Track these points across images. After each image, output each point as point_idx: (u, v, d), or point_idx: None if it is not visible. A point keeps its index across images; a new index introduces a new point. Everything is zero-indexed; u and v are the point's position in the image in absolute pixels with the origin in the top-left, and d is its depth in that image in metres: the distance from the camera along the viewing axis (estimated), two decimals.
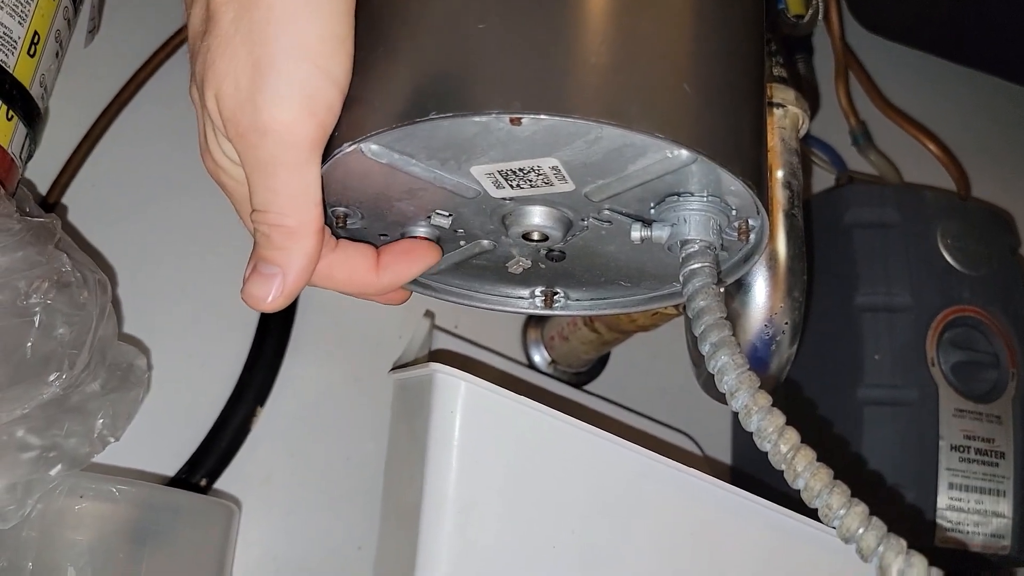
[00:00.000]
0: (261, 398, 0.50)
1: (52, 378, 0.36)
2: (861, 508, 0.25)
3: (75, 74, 0.48)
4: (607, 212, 0.31)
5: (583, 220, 0.32)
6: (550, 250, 0.34)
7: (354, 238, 0.35)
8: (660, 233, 0.30)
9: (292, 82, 0.27)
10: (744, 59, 0.30)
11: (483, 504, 0.37)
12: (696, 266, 0.29)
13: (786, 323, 0.40)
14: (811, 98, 0.44)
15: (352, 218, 0.33)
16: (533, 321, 0.58)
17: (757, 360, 0.40)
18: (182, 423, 0.48)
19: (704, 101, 0.27)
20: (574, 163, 0.28)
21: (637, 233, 0.31)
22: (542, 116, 0.26)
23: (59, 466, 0.38)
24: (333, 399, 0.52)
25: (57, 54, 0.44)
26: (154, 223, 0.50)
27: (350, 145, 0.28)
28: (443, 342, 0.54)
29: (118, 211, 0.50)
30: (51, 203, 0.48)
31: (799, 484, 0.26)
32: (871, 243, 0.56)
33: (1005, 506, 0.52)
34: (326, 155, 0.29)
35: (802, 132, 0.43)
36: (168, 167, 0.51)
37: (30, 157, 0.44)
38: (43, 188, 0.48)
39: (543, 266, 0.36)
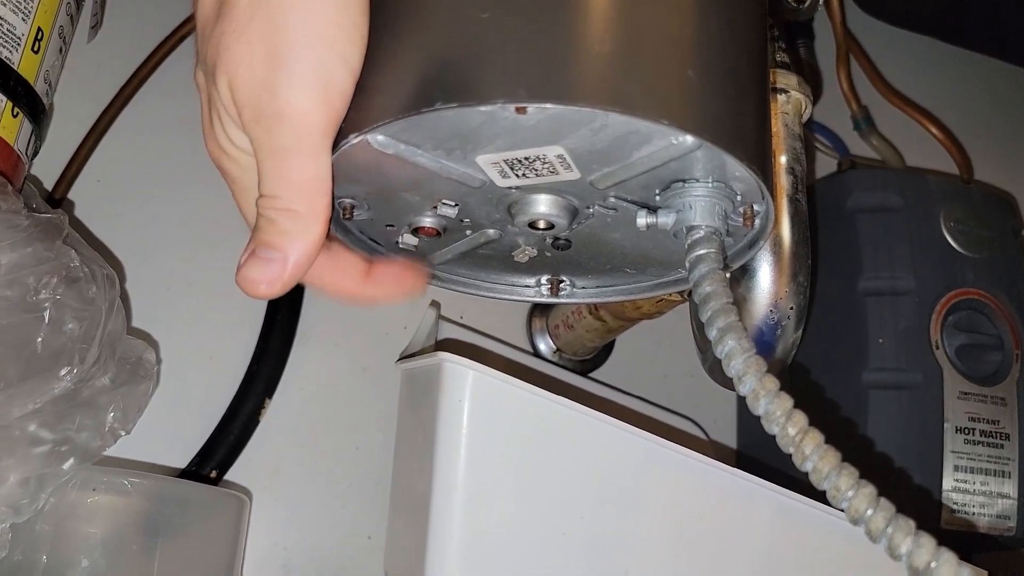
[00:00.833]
0: (269, 390, 0.50)
1: (63, 373, 0.36)
2: (869, 489, 0.25)
3: (79, 70, 0.48)
4: (612, 199, 0.31)
5: (589, 208, 0.32)
6: (556, 238, 0.34)
7: (361, 229, 0.36)
8: (666, 220, 0.31)
9: (310, 68, 0.27)
10: (747, 45, 0.30)
11: (492, 492, 0.37)
12: (702, 252, 0.29)
13: (791, 308, 0.40)
14: (813, 83, 0.44)
15: (359, 209, 0.33)
16: (538, 310, 0.58)
17: (763, 345, 0.40)
18: (192, 415, 0.49)
19: (708, 87, 0.28)
20: (579, 151, 0.28)
21: (643, 220, 0.31)
22: (547, 105, 0.26)
23: (71, 460, 0.38)
24: (341, 390, 0.53)
25: (61, 50, 0.45)
26: (160, 217, 0.51)
27: (356, 136, 0.28)
28: (449, 332, 0.54)
29: (124, 206, 0.50)
30: (57, 199, 0.48)
31: (807, 467, 0.26)
32: (874, 228, 0.56)
33: (1010, 487, 0.52)
34: (333, 146, 0.29)
35: (805, 117, 0.43)
36: (173, 161, 0.52)
37: (36, 153, 0.44)
38: (49, 184, 0.48)
39: (549, 254, 0.36)
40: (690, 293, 0.42)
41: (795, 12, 0.50)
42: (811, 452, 0.26)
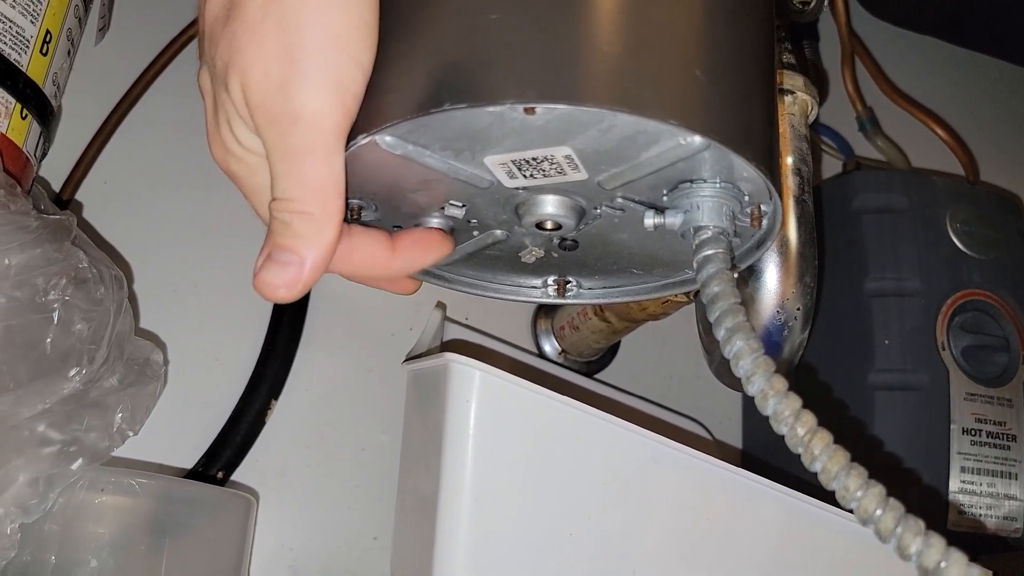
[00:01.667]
0: (275, 391, 0.50)
1: (72, 373, 0.37)
2: (878, 489, 0.25)
3: (86, 72, 0.48)
4: (620, 200, 0.31)
5: (596, 208, 0.32)
6: (563, 239, 0.35)
7: None
8: (673, 220, 0.31)
9: (323, 70, 0.27)
10: (755, 45, 0.30)
11: (499, 492, 0.37)
12: (710, 252, 0.29)
13: (798, 308, 0.40)
14: (819, 85, 0.44)
15: (366, 210, 0.34)
16: (543, 311, 0.58)
17: (770, 345, 0.40)
18: (198, 416, 0.49)
19: (716, 88, 0.28)
20: (587, 151, 0.28)
21: (650, 220, 0.31)
22: (556, 105, 0.26)
23: (80, 460, 0.38)
24: (347, 391, 0.53)
25: (69, 52, 0.45)
26: (167, 218, 0.51)
27: (365, 137, 0.28)
28: (454, 333, 0.55)
29: (131, 207, 0.50)
30: (65, 200, 0.48)
31: (816, 467, 0.26)
32: (880, 228, 0.56)
33: (1017, 489, 0.52)
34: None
35: (811, 118, 0.43)
36: (179, 162, 0.52)
37: (44, 155, 0.44)
38: (57, 185, 0.48)
39: (556, 255, 0.36)
40: (696, 294, 0.42)
41: (800, 13, 0.50)
42: (820, 452, 0.26)
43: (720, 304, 0.28)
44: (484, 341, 0.56)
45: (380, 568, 0.50)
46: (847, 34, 0.65)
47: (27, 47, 0.41)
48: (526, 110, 0.26)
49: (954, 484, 0.51)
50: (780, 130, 0.41)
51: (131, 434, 0.41)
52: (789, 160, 0.41)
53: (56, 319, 0.36)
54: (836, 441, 0.27)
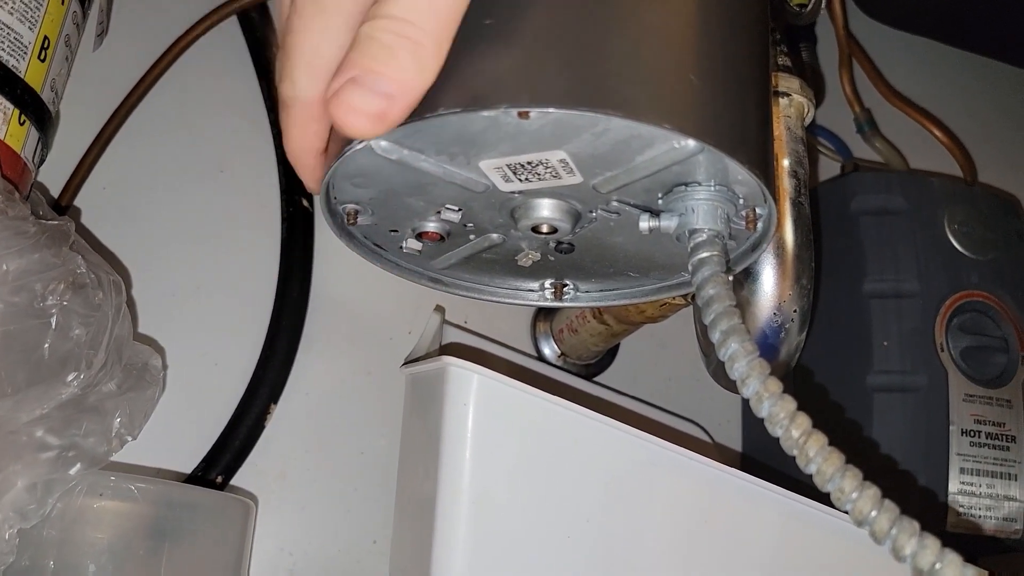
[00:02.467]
0: (274, 395, 0.50)
1: (70, 378, 0.37)
2: (873, 491, 0.25)
3: (84, 77, 0.49)
4: (615, 203, 0.31)
5: (591, 212, 0.32)
6: (559, 242, 0.35)
7: (365, 235, 0.36)
8: (668, 223, 0.31)
9: None
10: (749, 48, 0.30)
11: (498, 495, 0.37)
12: (705, 255, 0.29)
13: (795, 310, 0.40)
14: (816, 87, 0.44)
15: (362, 214, 0.34)
16: (542, 314, 0.59)
17: (767, 347, 0.40)
18: (197, 421, 0.49)
19: (710, 91, 0.28)
20: (582, 155, 0.29)
21: (645, 224, 0.31)
22: (550, 109, 0.26)
23: (78, 465, 0.38)
24: (345, 395, 0.53)
25: (67, 58, 0.45)
26: (165, 223, 0.51)
27: (360, 142, 0.28)
28: (453, 336, 0.55)
29: (129, 212, 0.50)
30: (63, 206, 0.48)
31: (811, 469, 0.26)
32: (878, 230, 0.56)
33: (1017, 490, 0.52)
34: (337, 152, 0.29)
35: (807, 121, 0.43)
36: (178, 168, 0.52)
37: (42, 161, 0.44)
38: (55, 191, 0.49)
39: (552, 259, 0.36)
40: (694, 296, 0.42)
41: (797, 16, 0.50)
42: (815, 454, 0.26)
43: (715, 307, 0.28)
44: (483, 344, 0.56)
45: (379, 572, 0.50)
46: (844, 36, 0.65)
47: (25, 53, 0.41)
48: (520, 114, 0.26)
49: (953, 485, 0.51)
50: (776, 133, 0.41)
51: (130, 439, 0.41)
52: (785, 162, 0.41)
53: (54, 324, 0.36)
54: (834, 443, 0.27)
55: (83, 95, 0.49)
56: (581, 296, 0.39)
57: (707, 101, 0.28)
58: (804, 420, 0.26)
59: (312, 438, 0.51)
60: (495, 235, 0.35)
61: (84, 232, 0.48)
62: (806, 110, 0.42)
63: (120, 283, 0.40)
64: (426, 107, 0.27)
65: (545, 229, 0.32)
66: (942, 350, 0.53)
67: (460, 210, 0.33)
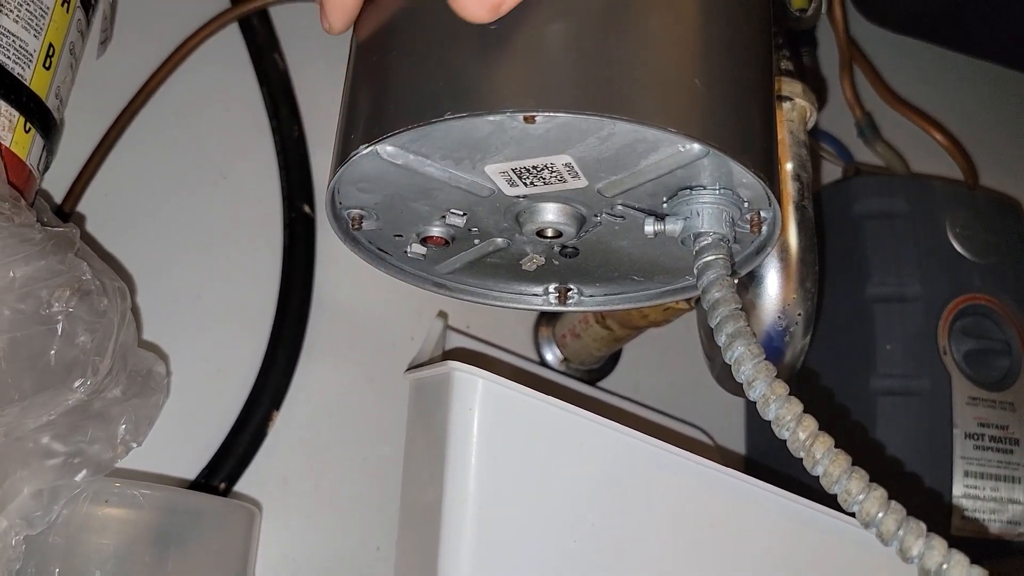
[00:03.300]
0: (277, 401, 0.50)
1: (76, 385, 0.37)
2: (880, 492, 0.25)
3: (88, 84, 0.49)
4: (620, 207, 0.31)
5: (596, 216, 0.32)
6: (564, 246, 0.35)
7: (370, 240, 0.36)
8: (673, 227, 0.31)
9: None
10: (753, 53, 0.30)
11: (503, 500, 0.37)
12: (710, 258, 0.30)
13: (799, 314, 0.40)
14: (817, 91, 0.45)
15: (367, 219, 0.34)
16: (545, 319, 0.59)
17: (772, 350, 0.40)
18: (201, 427, 0.49)
19: (715, 95, 0.28)
20: (587, 159, 0.29)
21: (650, 227, 0.31)
22: (555, 114, 0.26)
23: (84, 472, 0.38)
24: (348, 401, 0.53)
25: (71, 66, 0.45)
26: (168, 230, 0.51)
27: (366, 147, 0.29)
28: (456, 342, 0.55)
29: (133, 219, 0.50)
30: (67, 212, 0.48)
31: (818, 471, 0.26)
32: (880, 234, 0.56)
33: (1020, 492, 0.52)
34: (342, 158, 0.29)
35: (810, 125, 0.43)
36: (181, 174, 0.52)
37: (47, 168, 0.45)
38: (59, 198, 0.49)
39: (557, 263, 0.36)
40: (698, 300, 0.42)
41: (798, 20, 0.50)
42: (822, 456, 0.26)
43: (721, 310, 0.28)
44: (486, 350, 0.56)
45: None
46: (845, 40, 0.66)
47: (30, 61, 0.41)
48: (526, 119, 0.27)
49: (957, 489, 0.51)
50: (779, 137, 0.41)
51: (134, 445, 0.41)
52: (789, 166, 0.41)
53: (60, 331, 0.37)
54: (838, 446, 0.27)
55: (87, 102, 0.49)
56: (585, 300, 0.39)
57: (711, 105, 0.28)
58: (811, 422, 0.26)
59: (315, 444, 0.51)
60: (500, 239, 0.35)
61: (88, 239, 0.48)
62: (809, 114, 0.42)
63: (125, 289, 0.40)
64: (432, 111, 0.27)
65: (550, 233, 0.32)
66: (945, 353, 0.53)
67: (465, 215, 0.33)
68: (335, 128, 0.31)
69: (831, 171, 0.68)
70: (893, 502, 0.25)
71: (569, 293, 0.39)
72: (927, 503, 0.51)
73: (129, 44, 0.52)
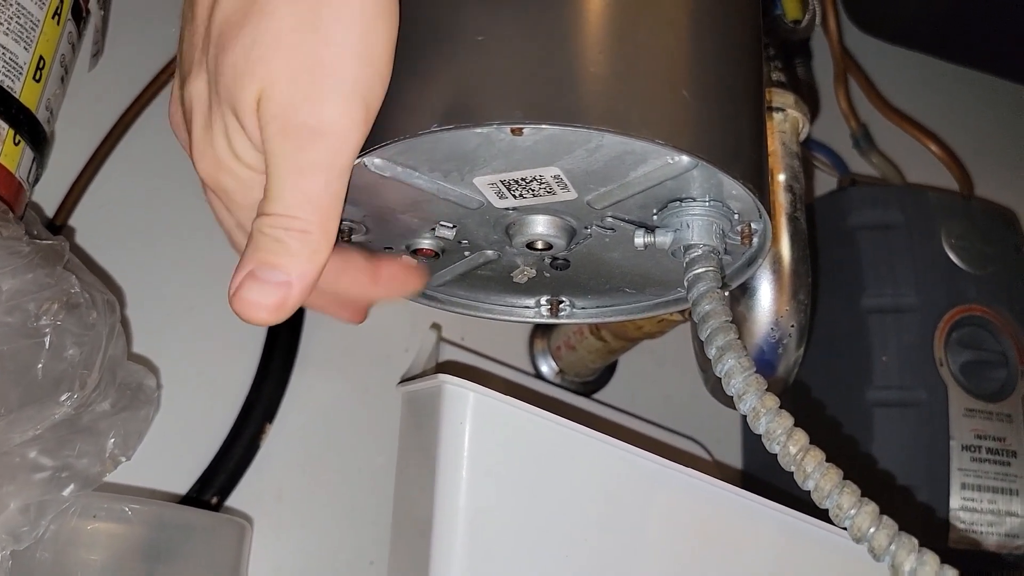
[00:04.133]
0: (270, 415, 0.50)
1: (63, 398, 0.36)
2: (871, 507, 0.25)
3: (79, 97, 0.49)
4: (610, 219, 0.31)
5: (586, 228, 0.32)
6: (554, 259, 0.35)
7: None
8: (663, 239, 0.31)
9: (355, 85, 0.26)
10: (742, 64, 0.30)
11: (495, 514, 0.37)
12: (700, 270, 0.29)
13: (792, 326, 0.40)
14: (811, 102, 0.44)
15: (356, 232, 0.34)
16: (539, 331, 0.58)
17: (764, 363, 0.40)
18: (192, 441, 0.48)
19: (703, 106, 0.28)
20: (576, 171, 0.28)
21: (640, 239, 0.31)
22: (543, 126, 0.26)
23: (71, 486, 0.38)
24: (341, 414, 0.52)
25: (62, 78, 0.45)
26: (160, 243, 0.51)
27: (354, 159, 0.28)
28: (450, 354, 0.54)
29: (124, 232, 0.50)
30: (58, 225, 0.48)
31: (809, 485, 0.26)
32: (876, 245, 0.56)
33: (1018, 505, 0.52)
34: None
35: (803, 136, 0.43)
36: (172, 188, 0.52)
37: (37, 180, 0.44)
38: (50, 211, 0.48)
39: (548, 275, 0.36)
40: (691, 312, 0.42)
41: (792, 31, 0.50)
42: (812, 470, 0.26)
43: (711, 322, 0.28)
44: (480, 362, 0.55)
45: None
46: (839, 51, 0.66)
47: (20, 73, 0.41)
48: (513, 131, 0.26)
49: (955, 501, 0.51)
50: (771, 148, 0.41)
51: (124, 459, 0.41)
52: (781, 177, 0.41)
53: (48, 344, 0.36)
54: (831, 459, 0.26)
55: (78, 115, 0.49)
56: (577, 312, 0.39)
57: (700, 116, 0.28)
58: (802, 436, 0.26)
59: (308, 458, 0.51)
60: (490, 252, 0.35)
61: (78, 252, 0.48)
62: (801, 125, 0.42)
63: (114, 302, 0.40)
64: (419, 124, 0.27)
65: (540, 245, 0.32)
66: (941, 365, 0.53)
67: (455, 227, 0.33)
68: None
69: (826, 182, 0.68)
70: (885, 517, 0.25)
71: (561, 305, 0.39)
72: (924, 516, 0.51)
73: (121, 57, 0.52)
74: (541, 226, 0.31)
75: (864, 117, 0.68)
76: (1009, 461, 0.52)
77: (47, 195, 0.48)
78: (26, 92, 0.41)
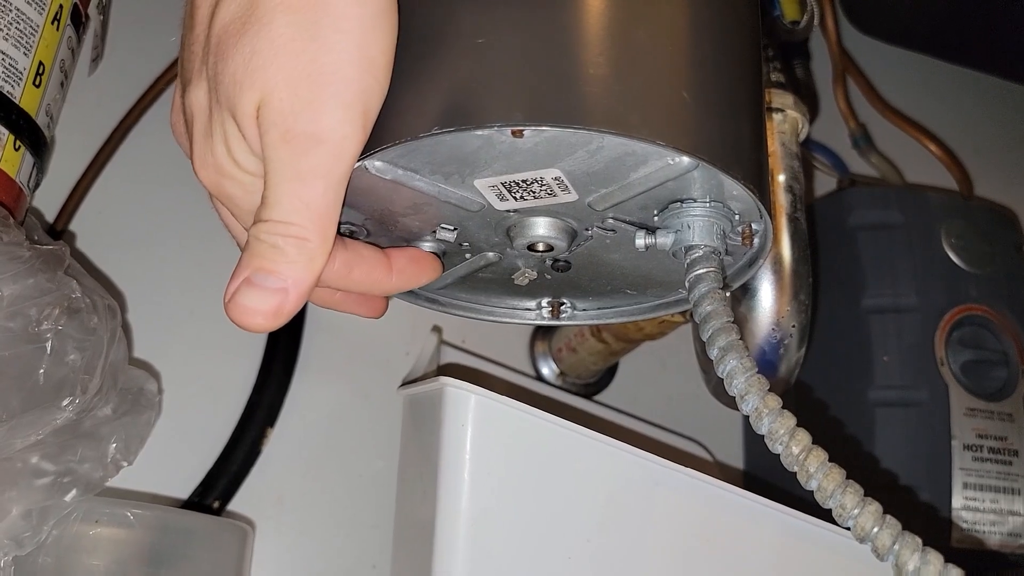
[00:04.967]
0: (271, 419, 0.50)
1: (65, 403, 0.36)
2: (875, 507, 0.25)
3: (79, 102, 0.49)
4: (611, 221, 0.31)
5: (587, 230, 0.32)
6: (555, 260, 0.35)
7: None
8: (664, 240, 0.31)
9: (355, 93, 0.26)
10: (741, 65, 0.30)
11: (497, 516, 0.37)
12: (701, 271, 0.29)
13: (793, 326, 0.40)
14: (810, 102, 0.45)
15: (358, 235, 0.34)
16: (541, 333, 0.58)
17: (766, 363, 0.40)
18: (193, 446, 0.48)
19: (703, 108, 0.28)
20: (577, 173, 0.28)
21: (641, 240, 0.31)
22: (544, 127, 0.26)
23: (74, 491, 0.38)
24: (343, 417, 0.52)
25: (62, 84, 0.45)
26: (160, 248, 0.51)
27: (355, 162, 0.28)
28: (451, 357, 0.54)
29: (124, 237, 0.50)
30: (58, 230, 0.48)
31: (812, 485, 0.26)
32: (876, 245, 0.56)
33: (1021, 504, 0.52)
34: None
35: (802, 136, 0.43)
36: (172, 192, 0.52)
37: (37, 186, 0.44)
38: (50, 216, 0.48)
39: (549, 277, 0.36)
40: (692, 313, 0.42)
41: (790, 32, 0.50)
42: (815, 470, 0.26)
43: (713, 323, 0.28)
44: (481, 365, 0.55)
45: None
46: (838, 52, 0.66)
47: (20, 79, 0.41)
48: (514, 133, 0.26)
49: (957, 501, 0.51)
50: (771, 149, 0.41)
51: (125, 464, 0.41)
52: (781, 178, 0.41)
53: (49, 349, 0.36)
54: (835, 459, 0.26)
55: (78, 120, 0.49)
56: (578, 314, 0.39)
57: (700, 118, 0.28)
58: (804, 436, 0.26)
59: (309, 462, 0.51)
60: (491, 254, 0.35)
61: (79, 256, 0.48)
62: (800, 126, 0.42)
63: (115, 307, 0.40)
64: (420, 126, 0.27)
65: (541, 247, 0.32)
66: (942, 364, 0.53)
67: (455, 229, 0.33)
68: None
69: (826, 183, 0.68)
70: (888, 516, 0.25)
71: (562, 307, 0.39)
72: (926, 515, 0.51)
73: (121, 61, 0.52)
74: (542, 228, 0.31)
75: (863, 117, 0.68)
76: (1011, 460, 0.52)
77: (47, 200, 0.48)
78: (26, 97, 0.41)
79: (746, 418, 0.27)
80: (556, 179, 0.29)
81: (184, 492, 0.47)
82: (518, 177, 0.29)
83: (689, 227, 0.30)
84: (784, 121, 0.42)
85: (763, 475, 0.60)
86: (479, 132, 0.26)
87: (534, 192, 0.29)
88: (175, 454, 0.48)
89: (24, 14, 0.41)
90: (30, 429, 0.36)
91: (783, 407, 0.27)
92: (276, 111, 0.27)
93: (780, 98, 0.42)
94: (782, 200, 0.40)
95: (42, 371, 0.36)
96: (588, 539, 0.38)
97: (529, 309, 0.39)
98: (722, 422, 0.61)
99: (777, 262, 0.40)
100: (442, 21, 0.28)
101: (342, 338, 0.53)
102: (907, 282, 0.55)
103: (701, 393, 0.47)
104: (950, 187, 0.66)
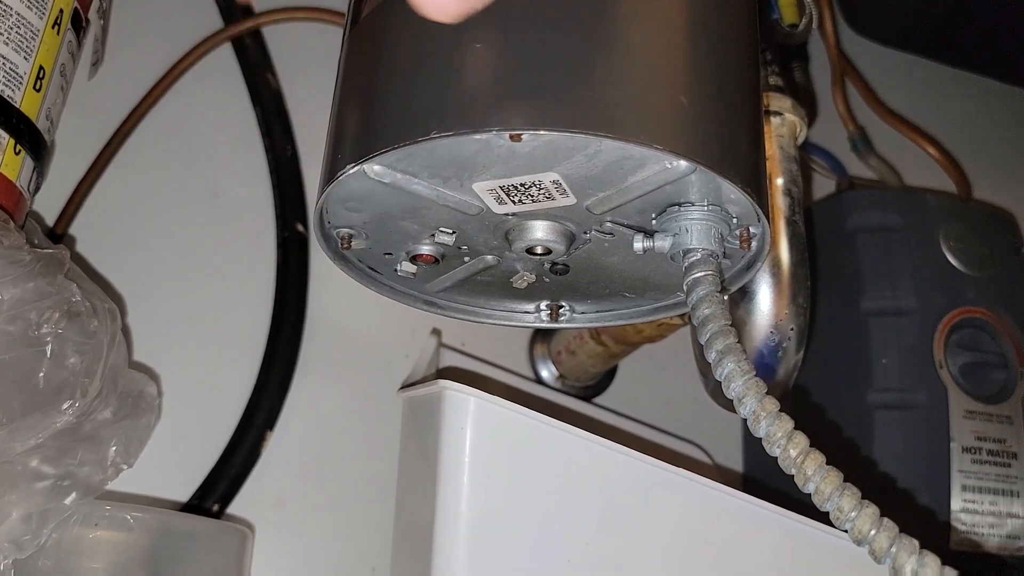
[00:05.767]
0: (271, 422, 0.50)
1: (65, 407, 0.36)
2: (872, 510, 0.25)
3: (79, 106, 0.49)
4: (609, 224, 0.31)
5: (586, 233, 0.32)
6: (554, 264, 0.35)
7: (359, 258, 0.36)
8: (662, 243, 0.31)
9: None
10: (739, 69, 0.30)
11: (496, 519, 0.37)
12: (699, 275, 0.29)
13: (792, 329, 0.40)
14: (809, 106, 0.45)
15: (356, 238, 0.34)
16: (540, 336, 0.58)
17: (764, 367, 0.40)
18: (193, 449, 0.48)
19: (700, 111, 0.28)
20: (575, 177, 0.29)
21: (639, 244, 0.31)
22: (541, 132, 0.26)
23: (73, 495, 0.38)
24: (342, 420, 0.52)
25: (62, 88, 0.45)
26: (160, 251, 0.51)
27: (353, 166, 0.28)
28: (450, 360, 0.54)
29: (124, 240, 0.50)
30: (58, 234, 0.48)
31: (809, 488, 0.26)
32: (874, 248, 0.56)
33: (1019, 507, 0.52)
34: (330, 177, 0.29)
35: (800, 139, 0.43)
36: (173, 195, 0.52)
37: (37, 190, 0.45)
38: (50, 220, 0.49)
39: (547, 280, 0.36)
40: (690, 316, 0.42)
41: (789, 35, 0.51)
42: (813, 473, 0.26)
43: (710, 326, 0.28)
44: (480, 368, 0.55)
45: None
46: (837, 54, 0.66)
47: (20, 83, 0.41)
48: (512, 137, 0.26)
49: (956, 503, 0.51)
50: (769, 152, 0.41)
51: (125, 467, 0.41)
52: (779, 181, 0.41)
53: (49, 353, 0.36)
54: (832, 462, 0.26)
55: (78, 124, 0.49)
56: (577, 317, 0.39)
57: (697, 121, 0.28)
58: (802, 439, 0.26)
59: (309, 464, 0.51)
60: (490, 257, 0.35)
61: (79, 260, 0.48)
62: (799, 129, 0.42)
63: (115, 311, 0.40)
64: (418, 130, 0.27)
65: (539, 251, 0.32)
66: (941, 367, 0.53)
67: (454, 233, 0.33)
68: None
69: (824, 185, 0.68)
70: (886, 519, 0.25)
71: (561, 310, 0.39)
72: (925, 518, 0.51)
73: (121, 65, 0.52)
74: (540, 231, 0.32)
75: (862, 120, 0.68)
76: (1010, 463, 0.52)
77: (47, 204, 0.48)
78: (26, 102, 0.41)
79: (745, 421, 0.27)
80: (554, 183, 0.29)
81: (184, 495, 0.47)
82: (516, 181, 0.29)
83: (687, 230, 0.30)
84: (782, 124, 0.42)
85: (762, 478, 0.60)
86: (477, 136, 0.27)
87: (532, 196, 0.30)
88: (175, 457, 0.48)
89: (24, 18, 0.41)
90: (30, 432, 0.36)
91: (781, 410, 0.27)
92: None
93: (778, 101, 0.42)
94: (780, 203, 0.40)
95: (42, 375, 0.36)
96: (587, 542, 0.38)
97: (528, 312, 0.39)
98: (721, 425, 0.61)
99: (775, 265, 0.40)
100: (440, 25, 0.28)
101: (342, 341, 0.53)
102: (906, 284, 0.55)
103: (700, 396, 0.47)
104: (949, 190, 0.66)
